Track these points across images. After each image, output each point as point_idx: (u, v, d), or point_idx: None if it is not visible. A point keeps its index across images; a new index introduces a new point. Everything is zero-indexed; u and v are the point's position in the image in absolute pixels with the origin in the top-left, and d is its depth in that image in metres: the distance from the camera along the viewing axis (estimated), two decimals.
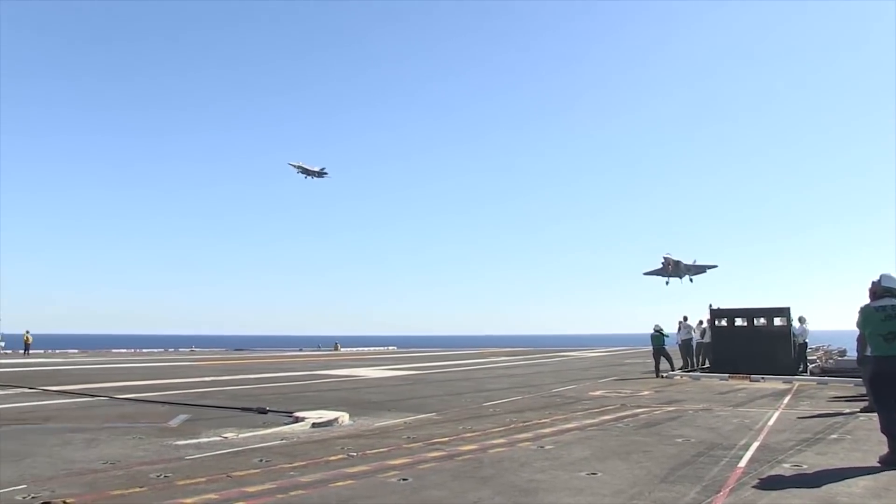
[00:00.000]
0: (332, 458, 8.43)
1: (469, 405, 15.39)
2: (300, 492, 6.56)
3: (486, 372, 30.00)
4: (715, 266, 64.02)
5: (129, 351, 58.50)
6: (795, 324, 24.41)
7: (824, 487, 6.74)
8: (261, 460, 8.22)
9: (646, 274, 63.97)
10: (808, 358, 26.16)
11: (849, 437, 10.20)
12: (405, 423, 12.24)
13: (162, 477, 7.21)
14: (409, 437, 10.24)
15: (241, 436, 10.45)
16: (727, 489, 6.65)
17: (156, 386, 20.53)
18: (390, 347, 73.68)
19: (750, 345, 24.20)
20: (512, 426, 11.54)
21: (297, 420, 12.08)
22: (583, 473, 7.46)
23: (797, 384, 20.23)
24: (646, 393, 18.16)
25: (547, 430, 10.98)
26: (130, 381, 22.51)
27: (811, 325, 25.34)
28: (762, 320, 24.88)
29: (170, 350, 62.08)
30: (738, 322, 25.55)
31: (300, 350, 65.73)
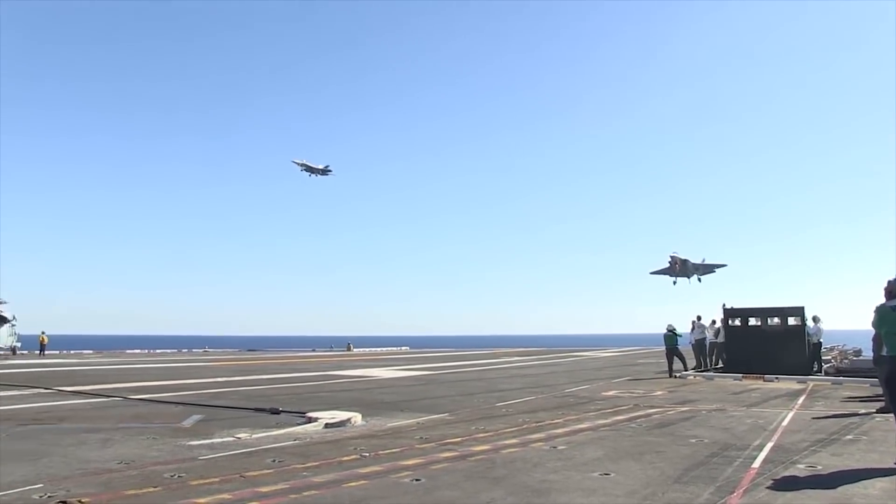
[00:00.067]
0: (345, 458, 8.45)
1: (482, 405, 15.38)
2: (313, 492, 6.58)
3: (498, 372, 29.97)
4: (724, 265, 63.27)
5: (142, 351, 58.87)
6: (809, 323, 24.22)
7: (840, 489, 6.70)
8: (274, 460, 8.25)
9: (652, 273, 63.38)
10: (823, 358, 25.96)
11: (865, 438, 10.12)
12: (418, 423, 12.25)
13: (176, 477, 7.25)
14: (421, 438, 10.25)
15: (254, 436, 10.48)
16: (741, 490, 6.62)
17: (169, 386, 20.63)
18: (403, 348, 73.67)
19: (764, 344, 24.05)
20: (524, 426, 11.53)
21: (310, 420, 12.10)
22: (595, 474, 7.44)
23: (812, 384, 20.10)
24: (659, 393, 18.09)
25: (560, 431, 10.96)
26: (144, 381, 22.64)
27: (825, 325, 25.15)
28: (776, 320, 24.70)
29: (183, 350, 62.37)
30: (752, 322, 25.39)
31: (313, 350, 65.89)
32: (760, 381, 21.34)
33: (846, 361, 24.40)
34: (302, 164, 79.52)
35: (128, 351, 59.37)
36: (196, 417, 12.96)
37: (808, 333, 23.97)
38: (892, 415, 8.60)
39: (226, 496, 6.36)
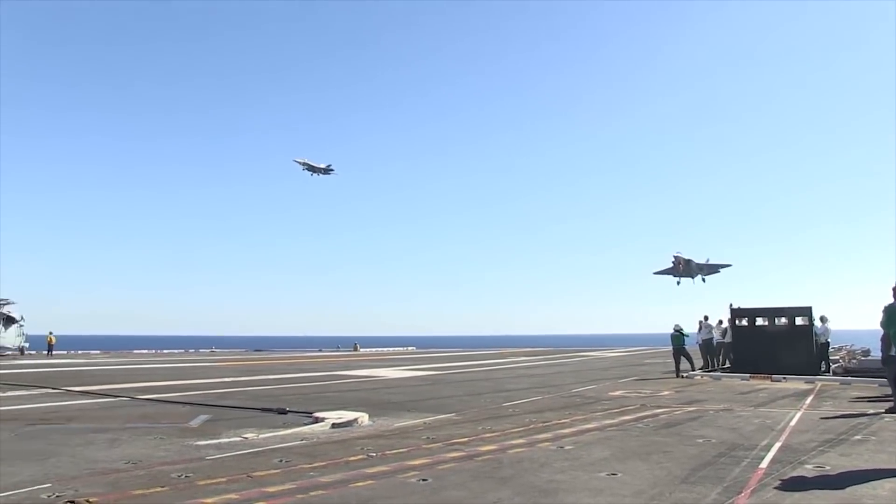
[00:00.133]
0: (352, 458, 8.46)
1: (488, 405, 15.37)
2: (320, 492, 6.58)
3: (505, 372, 29.98)
4: (729, 265, 62.50)
5: (149, 351, 59.08)
6: (817, 323, 24.13)
7: (848, 489, 6.66)
8: (281, 460, 8.26)
9: (656, 273, 62.70)
10: (831, 358, 25.86)
11: (873, 438, 10.07)
12: (425, 423, 12.25)
13: (183, 477, 7.27)
14: (428, 438, 10.25)
15: (261, 436, 10.51)
16: (749, 490, 6.59)
17: (177, 386, 20.70)
18: (409, 348, 73.72)
19: (771, 344, 23.97)
20: (531, 426, 11.51)
21: (317, 420, 12.14)
22: (602, 474, 7.43)
23: (819, 384, 20.02)
24: (666, 393, 18.05)
25: (567, 431, 10.94)
26: (151, 381, 22.73)
27: (832, 325, 25.05)
28: (783, 320, 24.61)
29: (190, 351, 62.55)
30: (759, 321, 25.30)
31: (319, 351, 66.01)
32: (768, 381, 21.27)
33: (854, 361, 24.25)
34: (304, 164, 78.62)
35: (135, 351, 59.58)
36: (203, 417, 13.00)
37: (815, 333, 23.89)
38: None
39: (233, 496, 6.37)
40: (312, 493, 6.51)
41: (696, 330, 27.79)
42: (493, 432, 10.77)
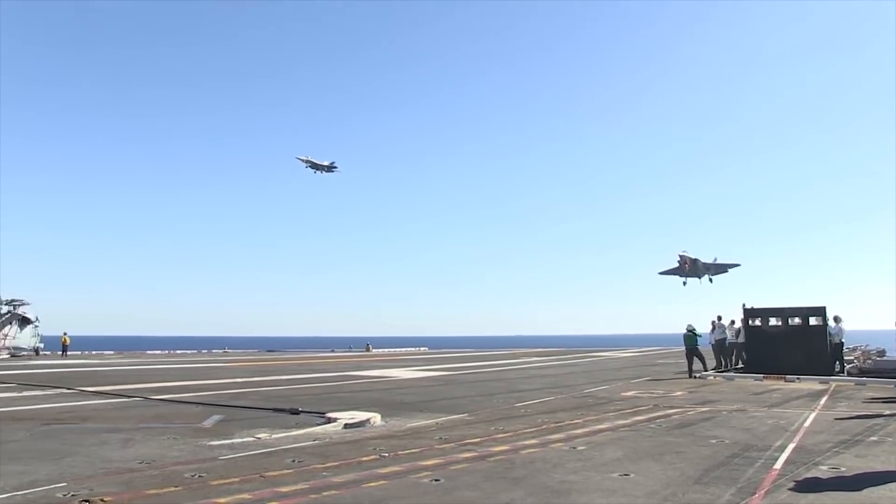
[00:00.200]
0: (365, 458, 8.47)
1: (501, 406, 15.36)
2: (333, 492, 6.60)
3: (518, 372, 29.94)
4: (737, 265, 61.37)
5: (163, 352, 59.33)
6: (831, 323, 23.97)
7: (865, 491, 6.61)
8: (294, 461, 8.29)
9: (661, 273, 61.70)
10: (846, 358, 25.67)
11: (889, 439, 9.99)
12: (437, 423, 12.25)
13: (196, 477, 7.30)
14: (441, 438, 10.25)
15: (274, 436, 10.54)
16: (762, 491, 6.55)
17: (190, 387, 20.79)
18: (422, 348, 73.65)
19: (785, 345, 23.84)
20: (544, 427, 11.50)
21: (330, 421, 12.15)
22: (615, 474, 7.41)
23: (834, 385, 19.89)
24: (679, 393, 17.98)
25: (579, 431, 10.92)
26: (165, 381, 22.83)
27: (846, 325, 24.86)
28: (797, 320, 24.48)
29: (203, 351, 62.80)
30: (773, 322, 25.17)
31: (332, 351, 66.14)
32: (782, 382, 21.15)
33: (869, 362, 24.09)
34: (307, 161, 77.70)
35: (148, 352, 59.89)
36: (216, 418, 13.05)
37: (829, 333, 23.73)
38: None
39: (246, 496, 6.39)
40: (325, 493, 6.53)
41: (708, 330, 27.70)
42: (506, 433, 10.77)
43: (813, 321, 23.95)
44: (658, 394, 17.94)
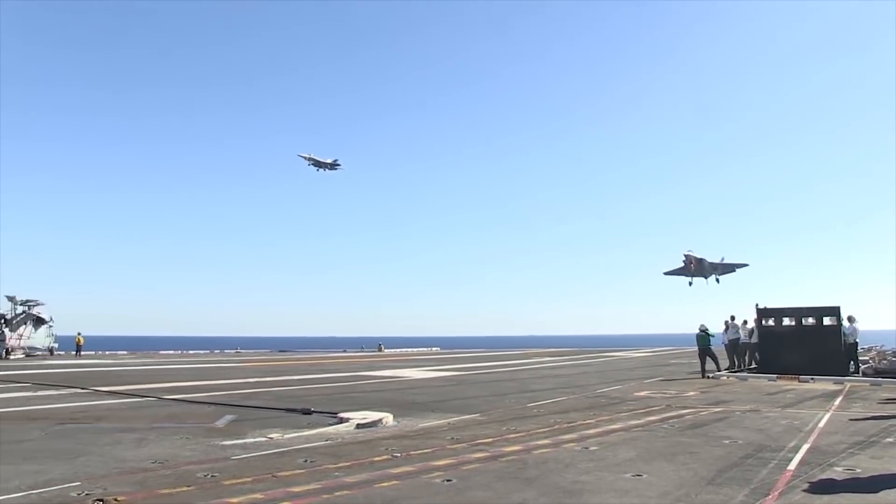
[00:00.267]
0: (377, 458, 8.48)
1: (513, 406, 15.35)
2: (345, 492, 6.60)
3: (530, 372, 29.90)
4: (745, 265, 60.38)
5: (175, 352, 59.63)
6: (845, 323, 23.80)
7: (881, 493, 6.55)
8: (306, 461, 8.30)
9: (666, 274, 60.81)
10: (860, 358, 25.48)
11: None
12: (449, 423, 12.25)
13: (209, 476, 7.33)
14: (453, 438, 10.25)
15: (286, 436, 10.56)
16: (776, 492, 6.51)
17: (202, 387, 20.88)
18: (434, 348, 73.65)
19: (799, 345, 23.68)
20: (556, 427, 11.47)
21: (342, 421, 12.17)
22: (628, 475, 7.38)
23: (848, 385, 19.75)
24: (692, 394, 17.90)
25: (592, 431, 10.89)
26: (177, 382, 22.95)
27: (860, 325, 24.67)
28: (811, 320, 24.32)
29: (215, 351, 63.07)
30: (786, 322, 25.02)
31: (343, 351, 66.28)
32: (795, 382, 21.02)
33: (885, 362, 23.87)
34: (309, 159, 76.66)
35: (161, 352, 60.19)
36: (229, 418, 13.10)
37: (843, 333, 23.56)
38: None
39: (258, 496, 6.41)
40: (337, 494, 6.54)
41: (720, 330, 27.56)
42: (518, 433, 10.75)
43: (827, 321, 23.78)
44: (671, 394, 17.87)
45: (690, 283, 59.61)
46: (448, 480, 7.12)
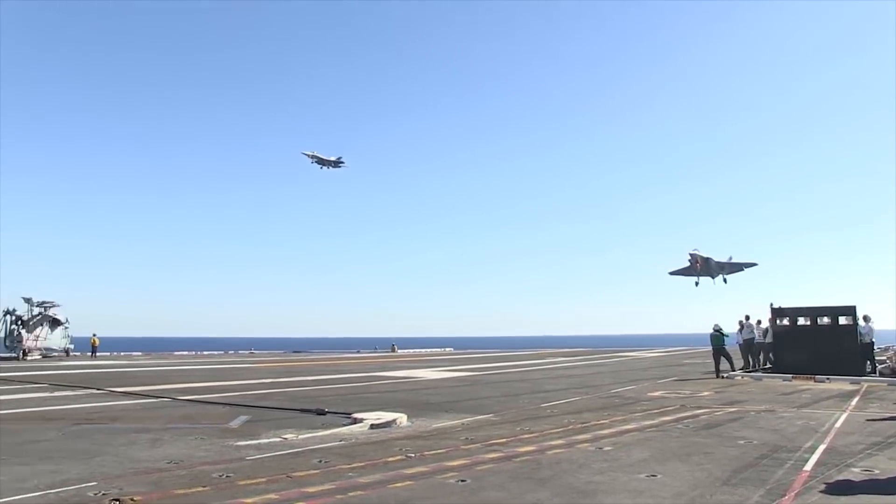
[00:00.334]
0: (391, 459, 8.50)
1: (527, 406, 15.33)
2: (359, 492, 6.62)
3: (543, 373, 29.85)
4: (754, 264, 59.77)
5: (189, 353, 59.90)
6: (861, 322, 23.59)
7: None
8: (320, 461, 8.33)
9: (672, 273, 60.26)
10: (877, 358, 25.25)
11: None
12: (463, 424, 12.25)
13: (224, 477, 7.37)
14: (467, 439, 10.25)
15: (300, 437, 10.60)
16: (792, 493, 6.47)
17: (216, 388, 20.98)
18: (447, 349, 73.63)
19: (814, 344, 23.50)
20: (570, 427, 11.45)
21: (356, 421, 12.19)
22: (642, 475, 7.36)
23: (865, 385, 19.59)
24: (706, 394, 17.81)
25: (606, 432, 10.86)
26: (192, 382, 23.06)
27: (876, 325, 24.44)
28: (826, 319, 24.10)
29: (229, 352, 63.33)
30: (801, 321, 24.82)
31: (357, 352, 66.39)
32: (811, 382, 20.87)
33: None
34: (312, 156, 76.59)
35: (175, 353, 60.50)
36: (243, 418, 13.15)
37: (859, 333, 23.35)
38: None
39: (273, 496, 6.44)
40: (351, 494, 6.56)
41: (734, 329, 27.39)
42: (532, 433, 10.74)
43: (843, 320, 23.55)
44: (685, 394, 17.79)
45: (697, 283, 58.95)
46: (462, 481, 7.13)
